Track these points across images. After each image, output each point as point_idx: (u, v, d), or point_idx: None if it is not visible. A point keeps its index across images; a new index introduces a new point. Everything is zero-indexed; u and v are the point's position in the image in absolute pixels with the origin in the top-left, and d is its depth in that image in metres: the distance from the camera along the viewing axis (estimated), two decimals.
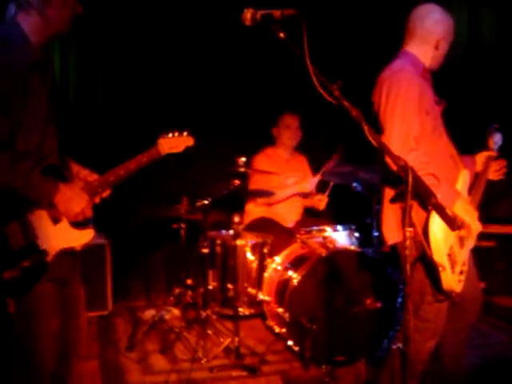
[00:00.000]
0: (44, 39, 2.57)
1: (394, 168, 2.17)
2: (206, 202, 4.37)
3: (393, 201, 2.11)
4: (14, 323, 2.44)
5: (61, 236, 2.55)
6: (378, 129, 3.00)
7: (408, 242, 1.99)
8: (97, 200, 2.77)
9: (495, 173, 3.48)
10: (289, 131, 5.46)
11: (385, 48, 3.28)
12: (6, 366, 2.55)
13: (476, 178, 3.38)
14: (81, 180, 2.77)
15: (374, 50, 4.22)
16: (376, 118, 3.05)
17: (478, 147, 3.53)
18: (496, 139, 3.48)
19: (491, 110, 6.27)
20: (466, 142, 3.46)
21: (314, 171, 5.57)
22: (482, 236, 5.84)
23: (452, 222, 2.79)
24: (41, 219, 2.49)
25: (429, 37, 3.15)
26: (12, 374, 2.54)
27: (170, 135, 3.11)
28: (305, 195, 5.51)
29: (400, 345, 2.09)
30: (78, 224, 2.60)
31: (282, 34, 2.11)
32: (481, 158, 3.47)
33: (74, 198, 2.54)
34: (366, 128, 1.99)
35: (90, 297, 4.93)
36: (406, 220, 1.96)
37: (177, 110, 6.12)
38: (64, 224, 2.56)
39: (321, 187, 5.42)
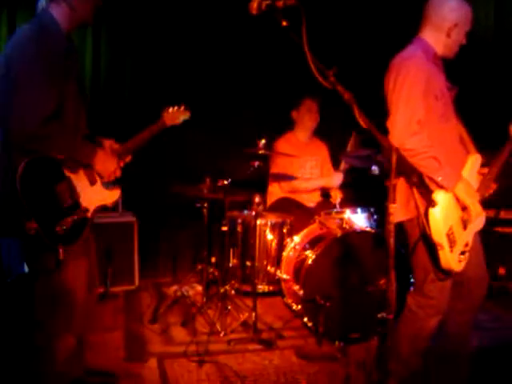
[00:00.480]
0: (71, 27, 2.95)
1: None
2: (225, 182, 4.54)
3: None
4: (63, 268, 2.86)
5: (97, 195, 3.09)
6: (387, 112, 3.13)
7: (391, 217, 2.12)
8: (122, 163, 3.32)
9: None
10: (309, 114, 5.58)
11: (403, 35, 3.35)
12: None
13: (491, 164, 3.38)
14: (107, 148, 3.27)
15: (392, 37, 4.29)
16: (385, 101, 3.17)
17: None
18: None
19: None
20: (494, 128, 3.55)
21: (334, 163, 5.73)
22: (503, 222, 5.96)
23: (430, 202, 2.96)
24: (81, 181, 2.98)
25: (442, 24, 3.20)
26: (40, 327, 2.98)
27: (171, 109, 3.80)
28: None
29: (384, 314, 2.22)
30: (109, 184, 3.18)
31: (284, 23, 2.27)
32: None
33: (109, 160, 3.07)
34: (356, 110, 2.14)
35: (118, 272, 5.23)
36: (389, 197, 2.09)
37: (202, 93, 6.27)
38: (98, 185, 3.10)
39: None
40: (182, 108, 3.91)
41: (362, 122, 2.19)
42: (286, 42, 2.27)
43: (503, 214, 5.94)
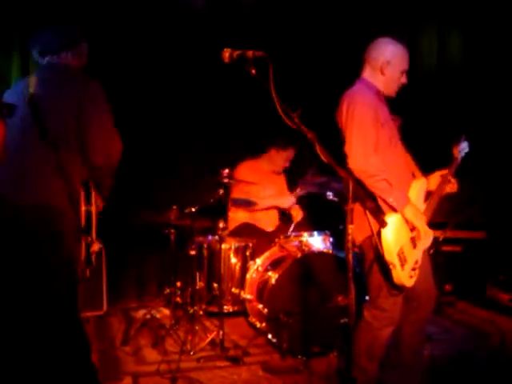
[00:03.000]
0: None
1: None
2: (193, 209, 4.82)
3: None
4: None
5: None
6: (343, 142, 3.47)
7: (350, 237, 2.46)
8: None
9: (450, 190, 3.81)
10: (284, 162, 5.93)
11: (346, 77, 3.73)
12: None
13: (429, 195, 3.72)
14: None
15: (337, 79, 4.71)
16: (341, 133, 3.51)
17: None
18: (461, 147, 3.80)
19: (460, 125, 6.70)
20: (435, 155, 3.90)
21: (290, 188, 6.04)
22: (449, 241, 6.32)
23: (382, 222, 3.26)
24: None
25: (376, 63, 3.60)
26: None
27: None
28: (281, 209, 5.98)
29: (346, 319, 2.53)
30: None
31: (253, 71, 2.60)
32: (434, 178, 3.78)
33: None
34: (318, 147, 2.49)
35: (87, 298, 5.38)
36: (347, 219, 2.44)
37: (171, 123, 6.53)
38: None
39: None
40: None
41: (323, 157, 2.54)
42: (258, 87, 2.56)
43: (449, 234, 6.31)
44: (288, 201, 5.83)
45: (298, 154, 5.85)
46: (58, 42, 3.27)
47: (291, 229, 5.47)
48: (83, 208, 3.23)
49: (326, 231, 5.19)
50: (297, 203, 5.85)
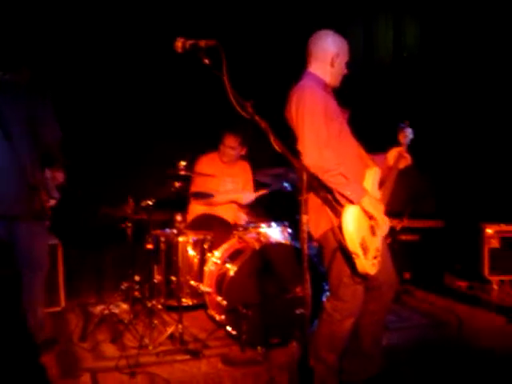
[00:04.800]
0: None
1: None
2: (149, 202, 4.77)
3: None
4: None
5: None
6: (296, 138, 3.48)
7: (304, 226, 2.45)
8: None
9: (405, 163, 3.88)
10: (226, 150, 5.85)
11: (293, 71, 3.72)
12: None
13: (388, 171, 3.79)
14: None
15: (285, 71, 4.72)
16: (292, 129, 3.52)
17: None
18: (406, 134, 3.86)
19: (414, 114, 6.77)
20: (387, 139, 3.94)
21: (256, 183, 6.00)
22: (406, 230, 6.40)
23: (337, 213, 3.31)
24: None
25: (325, 55, 3.62)
26: None
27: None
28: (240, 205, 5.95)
29: (302, 310, 2.53)
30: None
31: (206, 60, 2.57)
32: (392, 153, 3.86)
33: None
34: (271, 137, 2.47)
35: (44, 294, 5.30)
36: (301, 209, 2.43)
37: (127, 115, 6.47)
38: None
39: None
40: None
41: (277, 147, 2.53)
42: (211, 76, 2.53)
43: (406, 223, 6.38)
44: (246, 198, 5.84)
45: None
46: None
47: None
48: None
49: (285, 222, 5.17)
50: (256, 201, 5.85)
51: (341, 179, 3.36)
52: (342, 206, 3.40)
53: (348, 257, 3.43)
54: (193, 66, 2.97)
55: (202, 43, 2.58)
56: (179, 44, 2.64)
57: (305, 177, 2.45)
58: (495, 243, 6.41)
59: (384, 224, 3.60)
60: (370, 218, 3.49)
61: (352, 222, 3.35)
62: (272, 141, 2.50)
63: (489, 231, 6.43)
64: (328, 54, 3.62)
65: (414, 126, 3.95)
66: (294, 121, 3.49)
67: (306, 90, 3.50)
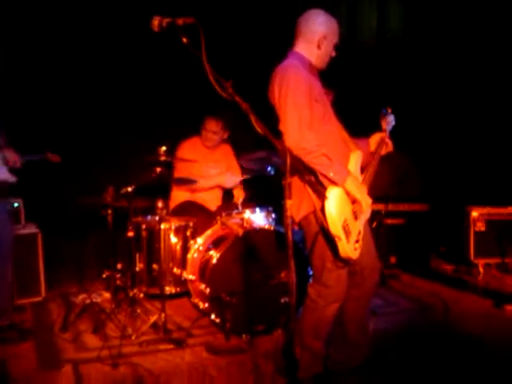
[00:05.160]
0: None
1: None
2: (129, 189, 4.67)
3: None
4: None
5: None
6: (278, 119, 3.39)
7: (288, 212, 2.36)
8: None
9: (386, 149, 3.84)
10: (208, 134, 5.73)
11: (277, 50, 3.63)
12: None
13: (370, 156, 3.74)
14: None
15: (268, 51, 4.61)
16: (275, 110, 3.42)
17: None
18: (389, 120, 3.84)
19: (397, 98, 6.73)
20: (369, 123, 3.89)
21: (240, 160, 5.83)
22: (391, 214, 6.37)
23: (320, 195, 3.26)
24: None
25: (312, 37, 3.52)
26: None
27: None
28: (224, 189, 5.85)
29: (286, 298, 2.45)
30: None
31: (184, 39, 2.47)
32: (374, 138, 3.82)
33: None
34: (252, 118, 2.37)
35: (24, 284, 5.22)
36: (285, 194, 2.33)
37: (105, 100, 6.36)
38: None
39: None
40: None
41: (259, 129, 2.43)
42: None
43: (391, 207, 6.34)
44: (231, 180, 5.70)
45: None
46: None
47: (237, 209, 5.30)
48: None
49: (269, 207, 5.10)
50: (242, 183, 5.72)
51: (324, 160, 3.28)
52: (324, 188, 3.33)
53: (330, 240, 3.37)
54: (172, 47, 2.89)
55: (180, 21, 2.48)
56: (156, 22, 2.54)
57: (288, 159, 2.36)
58: (481, 226, 6.37)
59: (367, 207, 3.53)
60: (353, 201, 3.43)
61: (334, 204, 3.28)
62: (253, 122, 2.41)
63: (474, 214, 6.39)
64: (316, 35, 3.53)
65: (397, 107, 3.94)
66: (276, 100, 3.40)
67: (290, 69, 3.41)
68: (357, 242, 3.44)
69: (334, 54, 3.64)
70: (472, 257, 6.37)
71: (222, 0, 6.70)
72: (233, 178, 5.71)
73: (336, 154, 3.41)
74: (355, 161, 3.58)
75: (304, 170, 3.21)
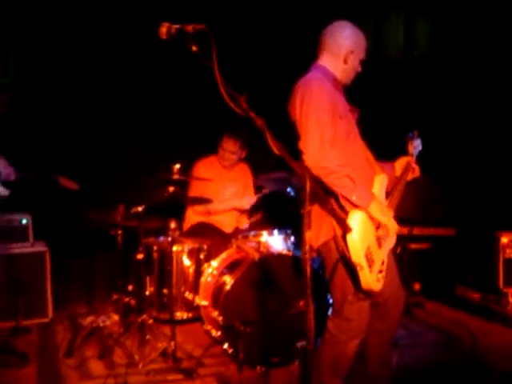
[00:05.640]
0: None
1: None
2: (139, 208, 4.46)
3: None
4: None
5: None
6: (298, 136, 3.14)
7: (307, 247, 2.10)
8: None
9: (412, 175, 3.64)
10: (225, 154, 5.52)
11: (298, 61, 3.41)
12: None
13: (395, 181, 3.52)
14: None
15: (288, 62, 4.41)
16: (294, 126, 3.18)
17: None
18: (415, 145, 3.65)
19: (425, 117, 6.51)
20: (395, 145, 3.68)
21: (256, 187, 5.68)
22: (416, 238, 6.12)
23: (345, 226, 2.97)
24: None
25: (338, 50, 3.30)
26: None
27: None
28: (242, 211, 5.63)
29: (304, 343, 2.19)
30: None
31: (194, 47, 2.24)
32: (400, 163, 3.61)
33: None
34: (268, 137, 2.12)
35: (31, 304, 5.03)
36: (305, 224, 2.07)
37: (116, 119, 6.20)
38: None
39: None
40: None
41: (275, 149, 2.18)
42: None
43: (416, 231, 6.08)
44: (247, 201, 5.50)
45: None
46: None
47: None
48: None
49: (287, 230, 4.84)
50: (259, 203, 5.47)
51: (347, 182, 3.04)
52: (346, 212, 3.08)
53: (351, 270, 3.12)
54: (188, 62, 2.68)
55: (190, 28, 2.25)
56: (164, 30, 2.32)
57: (308, 185, 2.09)
58: (511, 253, 6.06)
59: (393, 233, 3.31)
60: (377, 227, 3.19)
61: (357, 229, 3.03)
62: (269, 141, 2.15)
63: (504, 240, 6.09)
64: (342, 49, 3.31)
65: (423, 129, 3.75)
66: (297, 116, 3.16)
67: (314, 83, 3.18)
68: (380, 272, 3.19)
69: (360, 69, 3.42)
70: (501, 285, 6.07)
71: (238, 5, 6.45)
72: (248, 198, 5.52)
73: (360, 176, 3.16)
74: (380, 184, 3.34)
75: (325, 197, 2.93)
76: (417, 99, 7.09)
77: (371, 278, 3.10)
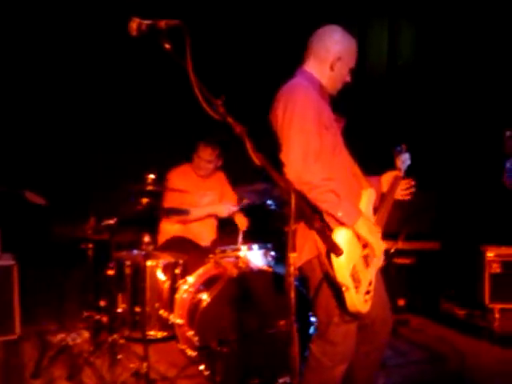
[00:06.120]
0: None
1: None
2: (111, 221, 4.24)
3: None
4: None
5: None
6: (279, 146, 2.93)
7: (291, 269, 1.89)
8: None
9: (402, 192, 3.45)
10: (201, 163, 5.34)
11: (282, 65, 3.22)
12: None
13: (382, 198, 3.35)
14: None
15: (271, 65, 4.24)
16: (276, 136, 2.98)
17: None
18: (403, 159, 3.48)
19: (410, 127, 6.40)
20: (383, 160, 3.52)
21: (236, 188, 5.51)
22: (401, 252, 5.95)
23: (334, 248, 2.74)
24: None
25: (325, 56, 3.12)
26: None
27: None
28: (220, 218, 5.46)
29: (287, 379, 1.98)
30: None
31: (167, 45, 2.04)
32: (386, 178, 3.44)
33: None
34: (248, 146, 1.91)
35: None
36: (289, 244, 1.86)
37: (88, 124, 5.99)
38: None
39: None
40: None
41: (256, 159, 1.97)
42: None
43: (401, 245, 5.90)
44: (226, 209, 5.30)
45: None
46: None
47: (240, 239, 4.86)
48: None
49: (268, 245, 4.67)
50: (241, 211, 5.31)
51: (332, 197, 2.83)
52: (331, 229, 2.87)
53: (336, 290, 2.91)
54: (161, 62, 2.48)
55: (162, 24, 2.05)
56: (133, 25, 2.13)
57: (293, 201, 1.88)
58: (496, 268, 5.90)
59: (380, 253, 3.11)
60: (364, 246, 3.00)
61: (342, 247, 2.80)
62: (249, 151, 1.94)
63: (490, 254, 5.91)
64: (330, 54, 3.12)
65: (407, 140, 3.59)
66: (279, 125, 2.95)
67: (298, 90, 2.98)
68: (367, 293, 3.00)
69: (348, 79, 3.23)
70: (487, 301, 5.88)
71: (219, 2, 6.26)
72: (227, 206, 5.30)
73: (346, 190, 2.98)
74: (367, 200, 3.15)
75: (312, 215, 2.72)
76: (400, 110, 7.00)
77: (358, 300, 2.90)
